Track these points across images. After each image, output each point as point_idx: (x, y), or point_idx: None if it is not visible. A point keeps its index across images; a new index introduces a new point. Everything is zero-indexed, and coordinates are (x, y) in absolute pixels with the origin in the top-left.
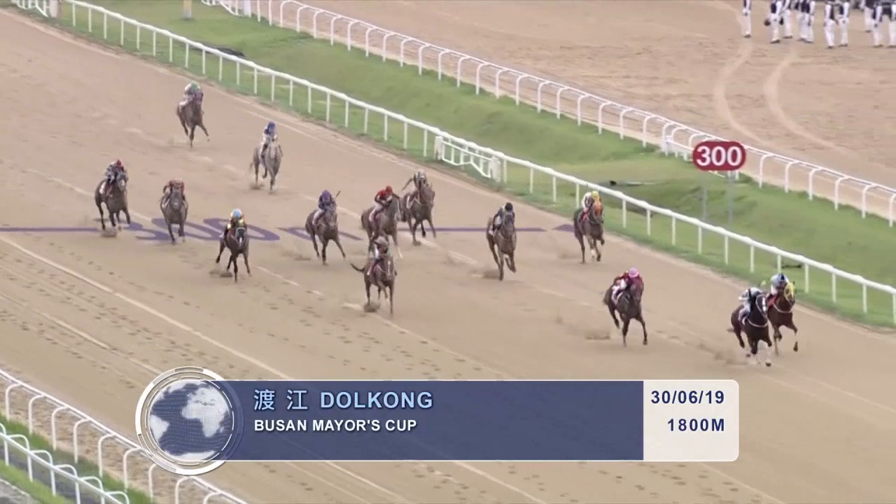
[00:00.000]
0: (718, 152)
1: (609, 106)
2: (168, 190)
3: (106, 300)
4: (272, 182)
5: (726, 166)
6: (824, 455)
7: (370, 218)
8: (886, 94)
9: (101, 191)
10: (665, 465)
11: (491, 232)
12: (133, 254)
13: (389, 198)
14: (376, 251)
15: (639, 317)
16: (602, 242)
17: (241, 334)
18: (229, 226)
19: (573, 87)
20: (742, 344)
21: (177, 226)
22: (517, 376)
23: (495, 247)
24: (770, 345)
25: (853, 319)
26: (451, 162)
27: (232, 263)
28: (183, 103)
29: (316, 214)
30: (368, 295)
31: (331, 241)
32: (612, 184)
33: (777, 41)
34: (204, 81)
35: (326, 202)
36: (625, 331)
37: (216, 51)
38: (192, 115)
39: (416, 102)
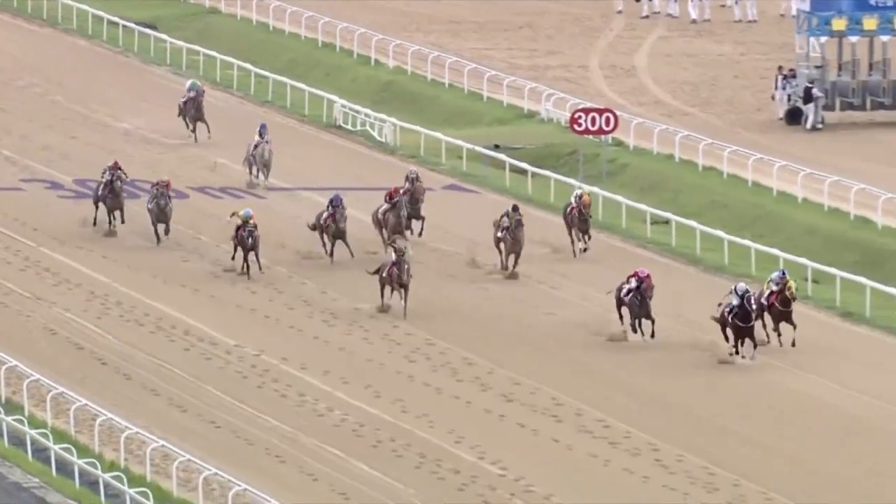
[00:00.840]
0: (593, 118)
1: (493, 76)
2: (154, 189)
3: (31, 254)
4: (266, 177)
5: (600, 131)
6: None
7: (379, 216)
8: (745, 66)
9: (100, 192)
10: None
11: (499, 234)
12: (55, 211)
13: (396, 198)
14: (393, 254)
15: (648, 316)
16: (589, 237)
17: (155, 285)
18: (239, 223)
19: (460, 58)
20: (727, 339)
21: (163, 225)
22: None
23: (502, 247)
24: (755, 346)
25: (716, 271)
26: (349, 127)
27: (244, 262)
28: (184, 100)
29: (325, 214)
30: (382, 296)
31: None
32: (496, 147)
33: (646, 16)
34: (120, 53)
35: (336, 204)
36: (634, 329)
37: (132, 24)
38: (193, 112)
39: (317, 72)
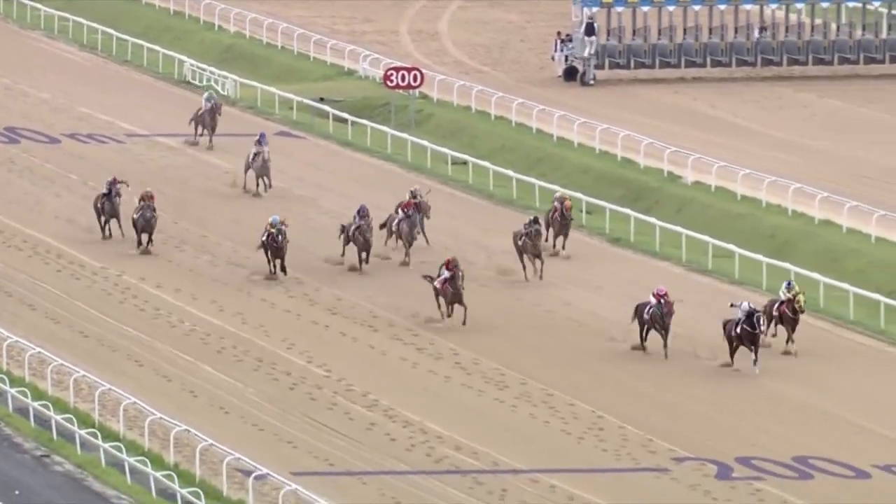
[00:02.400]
0: (403, 75)
1: (318, 39)
2: (141, 203)
3: None
4: (267, 186)
5: (409, 86)
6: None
7: (393, 227)
8: (530, 32)
9: (99, 203)
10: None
11: (520, 242)
12: None
13: (410, 211)
14: (445, 270)
15: (666, 330)
16: (566, 238)
17: (31, 216)
18: (271, 229)
19: (290, 24)
20: (731, 355)
21: (146, 235)
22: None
23: (524, 255)
24: (756, 356)
25: (506, 204)
26: (196, 83)
27: (274, 266)
28: (201, 110)
29: (353, 226)
30: (440, 306)
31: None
32: (321, 100)
33: None
34: (1, 19)
35: (363, 215)
36: (643, 336)
37: None
38: (209, 121)
39: (168, 36)
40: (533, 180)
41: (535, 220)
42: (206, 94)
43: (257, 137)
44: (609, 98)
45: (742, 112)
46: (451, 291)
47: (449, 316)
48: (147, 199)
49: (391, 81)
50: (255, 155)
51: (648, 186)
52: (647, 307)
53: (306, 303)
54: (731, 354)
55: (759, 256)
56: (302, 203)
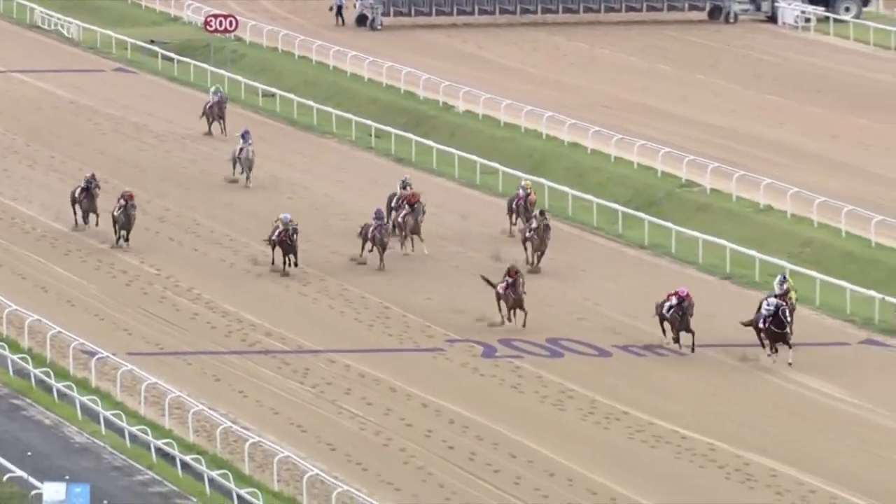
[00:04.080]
0: (220, 21)
1: None
2: (122, 200)
3: None
4: (248, 178)
5: (226, 30)
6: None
7: (399, 219)
8: None
9: (76, 195)
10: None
11: (527, 234)
12: None
13: (416, 203)
14: (507, 277)
15: (688, 329)
16: (524, 223)
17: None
18: (280, 227)
19: None
20: (763, 345)
21: (125, 232)
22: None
23: (529, 246)
24: (790, 347)
25: (307, 129)
26: (45, 27)
27: (286, 261)
28: (210, 102)
29: (372, 227)
30: (500, 309)
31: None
32: (151, 42)
33: None
34: None
35: (380, 217)
36: (676, 340)
37: None
38: (217, 112)
39: None
40: (330, 109)
41: (543, 213)
42: (213, 89)
43: (241, 134)
44: (394, 41)
45: (504, 52)
46: (512, 297)
47: (509, 320)
48: (128, 197)
49: (210, 26)
50: (241, 150)
51: (427, 115)
52: (668, 305)
53: (140, 213)
54: (764, 345)
55: (519, 172)
56: (136, 129)
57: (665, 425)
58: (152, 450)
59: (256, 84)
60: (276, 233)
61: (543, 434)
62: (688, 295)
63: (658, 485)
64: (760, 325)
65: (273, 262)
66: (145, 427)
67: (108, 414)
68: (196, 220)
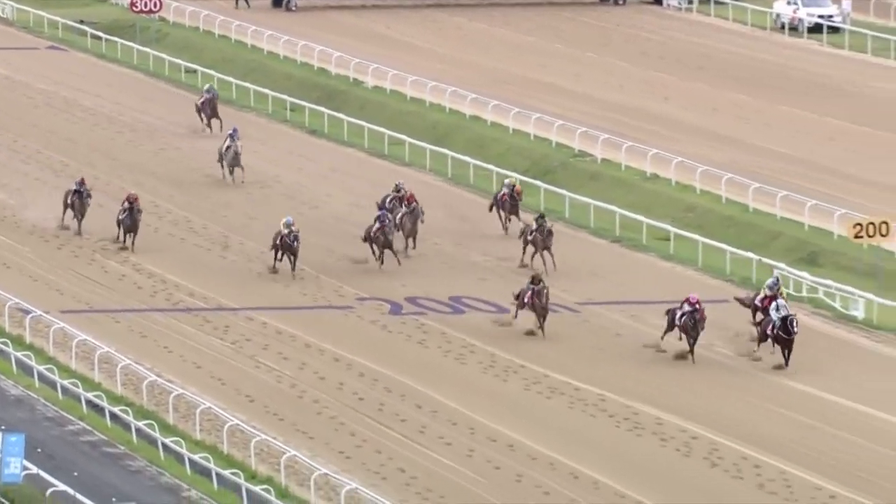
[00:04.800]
0: (146, 2)
1: None
2: (126, 204)
3: None
4: (231, 174)
5: (150, 11)
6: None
7: (396, 220)
8: None
9: (69, 199)
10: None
11: (529, 237)
12: None
13: (413, 204)
14: (530, 285)
15: (697, 337)
16: (519, 219)
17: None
18: (284, 231)
19: None
20: (759, 344)
21: (131, 235)
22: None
23: (534, 248)
24: (790, 352)
25: (227, 104)
26: None
27: (290, 263)
28: (202, 100)
29: (375, 227)
30: (515, 315)
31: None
32: (81, 22)
33: None
34: None
35: (383, 220)
36: (691, 349)
37: None
38: (209, 111)
39: None
40: (248, 85)
41: (542, 216)
42: (206, 87)
43: (230, 132)
44: (308, 21)
45: (410, 32)
46: (539, 306)
47: (541, 328)
48: (133, 200)
49: (136, 7)
50: (227, 148)
51: (338, 90)
52: (681, 313)
53: (68, 180)
54: (759, 343)
55: (424, 144)
56: (66, 103)
57: (559, 377)
58: (83, 402)
59: (179, 61)
60: (279, 237)
61: (447, 386)
62: (698, 302)
63: (553, 433)
64: (768, 331)
65: (273, 266)
66: (76, 380)
67: (41, 368)
68: (123, 188)
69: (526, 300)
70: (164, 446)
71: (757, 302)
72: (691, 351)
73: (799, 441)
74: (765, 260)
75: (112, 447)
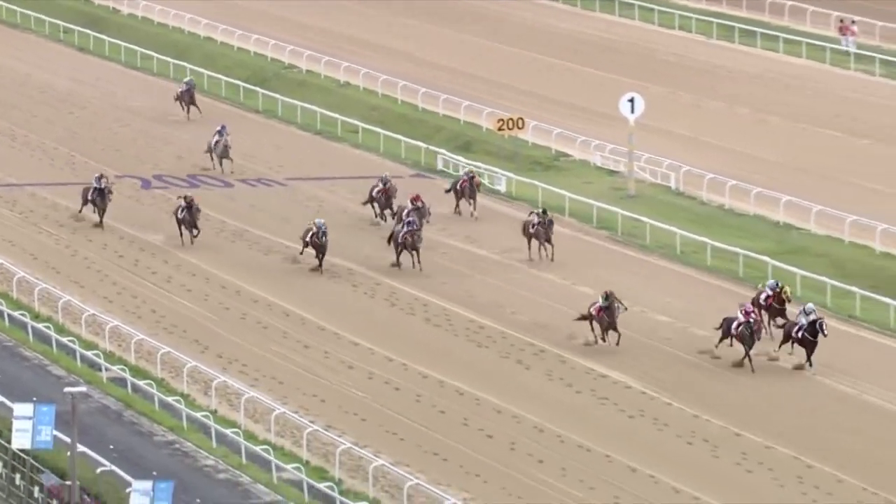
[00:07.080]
0: None
1: None
2: (182, 201)
3: None
4: (220, 165)
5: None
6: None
7: (403, 216)
8: None
9: (89, 196)
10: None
11: (531, 230)
12: None
13: (419, 203)
14: (601, 300)
15: (752, 346)
16: (474, 201)
17: None
18: (314, 229)
19: None
20: (779, 345)
21: (195, 230)
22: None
23: (535, 240)
24: (813, 353)
25: (159, 77)
26: None
27: (319, 261)
28: (181, 90)
29: (403, 231)
30: (593, 330)
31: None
32: None
33: None
34: None
35: (411, 221)
36: (747, 354)
37: None
38: (188, 99)
39: None
40: (190, 65)
41: (545, 211)
42: (186, 80)
43: (218, 129)
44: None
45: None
46: (606, 320)
47: (604, 340)
48: (190, 201)
49: None
50: (216, 142)
51: (268, 69)
52: (737, 323)
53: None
54: (779, 345)
55: (359, 122)
56: None
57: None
58: None
59: (133, 47)
60: (309, 234)
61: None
62: (754, 312)
63: (430, 355)
64: (793, 333)
65: (301, 254)
66: None
67: None
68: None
69: (594, 312)
70: None
71: (761, 301)
72: (749, 359)
73: None
74: (431, 147)
75: None
